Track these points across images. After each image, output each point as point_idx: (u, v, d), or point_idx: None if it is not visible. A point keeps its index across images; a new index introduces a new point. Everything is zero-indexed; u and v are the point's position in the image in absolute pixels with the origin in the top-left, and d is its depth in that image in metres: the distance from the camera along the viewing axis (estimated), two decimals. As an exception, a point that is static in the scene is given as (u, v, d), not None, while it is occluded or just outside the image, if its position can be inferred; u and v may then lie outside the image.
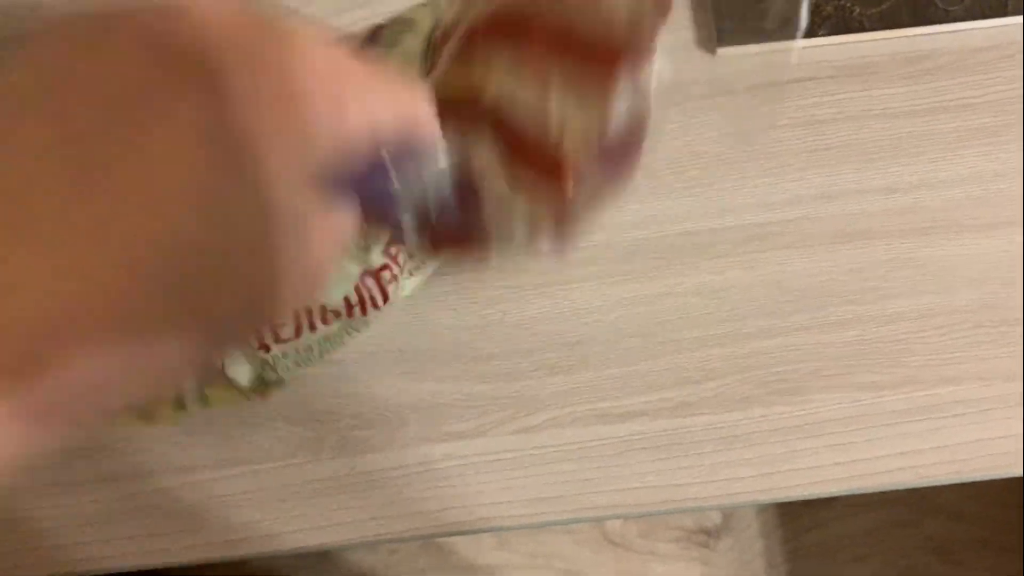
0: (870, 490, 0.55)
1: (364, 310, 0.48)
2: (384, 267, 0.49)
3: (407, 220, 0.27)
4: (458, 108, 0.34)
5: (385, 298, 0.48)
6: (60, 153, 0.20)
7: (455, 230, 0.32)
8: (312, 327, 0.47)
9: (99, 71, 0.21)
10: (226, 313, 0.23)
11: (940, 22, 0.60)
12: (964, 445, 0.55)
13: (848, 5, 0.61)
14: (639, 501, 0.55)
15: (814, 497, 0.55)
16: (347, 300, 0.48)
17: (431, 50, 0.41)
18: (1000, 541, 1.26)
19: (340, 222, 0.25)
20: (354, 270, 0.48)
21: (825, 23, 0.61)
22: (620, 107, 0.34)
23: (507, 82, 0.35)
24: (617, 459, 0.56)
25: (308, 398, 0.56)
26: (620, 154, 0.36)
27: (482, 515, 0.56)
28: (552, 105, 0.34)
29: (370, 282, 0.48)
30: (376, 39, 0.45)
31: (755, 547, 1.29)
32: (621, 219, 0.59)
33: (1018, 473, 0.55)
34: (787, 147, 0.60)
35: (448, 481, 0.56)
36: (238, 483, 0.55)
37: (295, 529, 0.55)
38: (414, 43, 0.43)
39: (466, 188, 0.32)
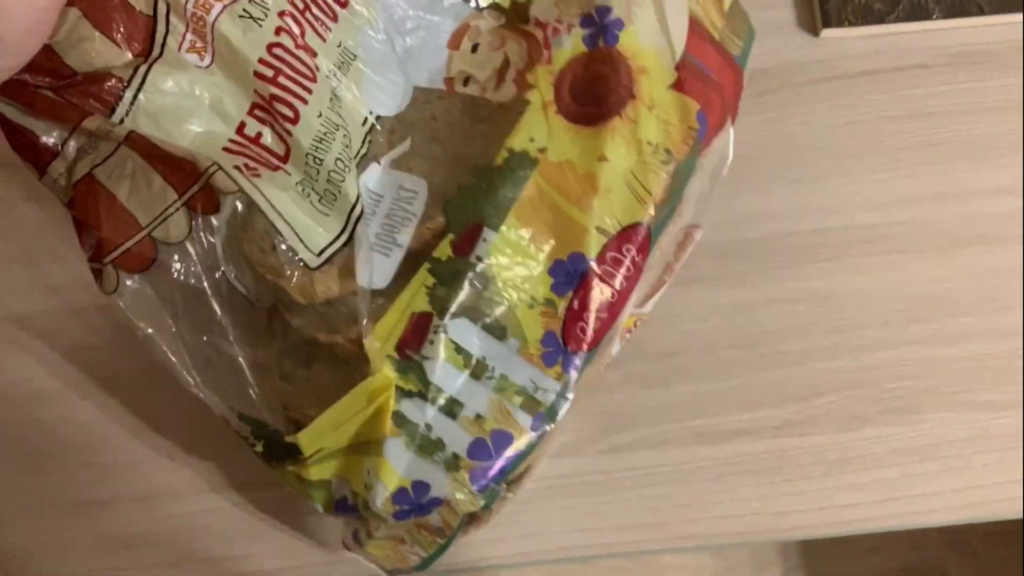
0: (989, 519, 0.51)
1: None
2: None
3: None
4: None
5: None
6: None
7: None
8: None
9: None
10: None
11: (1066, 7, 0.55)
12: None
13: (967, -14, 0.56)
14: (740, 529, 0.51)
15: (933, 526, 0.50)
16: None
17: None
18: (1013, 533, 1.24)
19: None
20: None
21: (939, 5, 0.55)
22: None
23: None
24: (716, 483, 0.51)
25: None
26: None
27: (564, 543, 0.51)
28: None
29: None
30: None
31: (766, 537, 1.25)
32: (717, 216, 0.53)
33: None
34: (897, 141, 0.55)
35: (530, 505, 0.50)
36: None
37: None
38: None
39: None
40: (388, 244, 0.41)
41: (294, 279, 0.40)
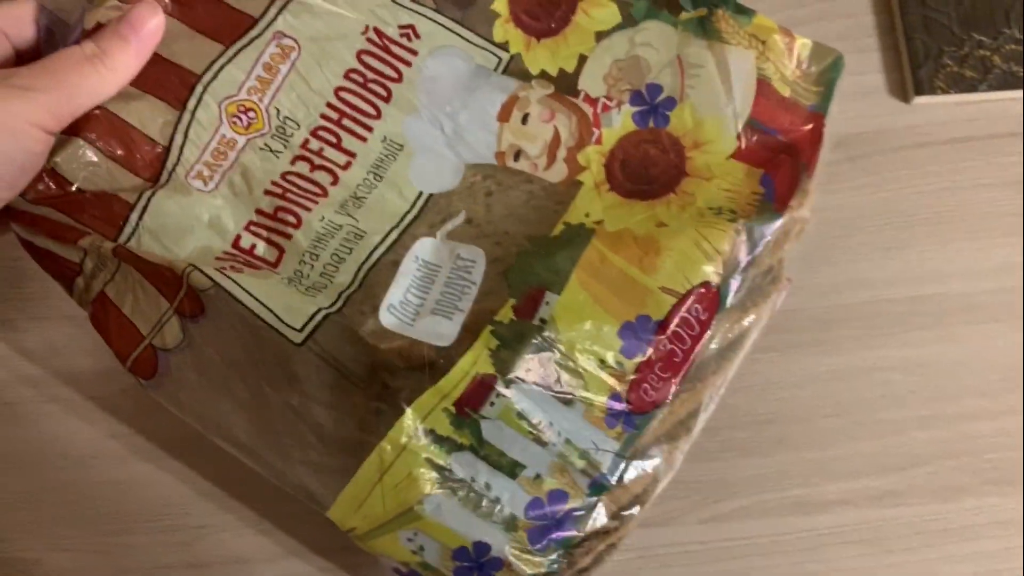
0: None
1: None
2: None
3: None
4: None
5: None
6: None
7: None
8: None
9: None
10: None
11: None
12: None
13: (1061, 55, 0.56)
14: (840, 602, 0.50)
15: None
16: None
17: None
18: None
19: None
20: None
21: (1032, 73, 0.56)
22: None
23: None
24: (814, 554, 0.50)
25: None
26: None
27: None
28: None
29: None
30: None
31: None
32: (811, 282, 0.53)
33: None
34: (991, 209, 0.55)
35: None
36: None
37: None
38: None
39: None
40: (450, 309, 0.40)
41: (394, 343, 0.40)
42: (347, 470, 0.39)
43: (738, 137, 0.43)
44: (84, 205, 0.42)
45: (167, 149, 0.43)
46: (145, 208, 0.42)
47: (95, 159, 0.42)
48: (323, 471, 0.39)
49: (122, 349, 0.42)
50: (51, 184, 0.42)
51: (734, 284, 0.41)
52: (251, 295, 0.40)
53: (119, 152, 0.43)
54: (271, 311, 0.39)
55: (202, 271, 0.40)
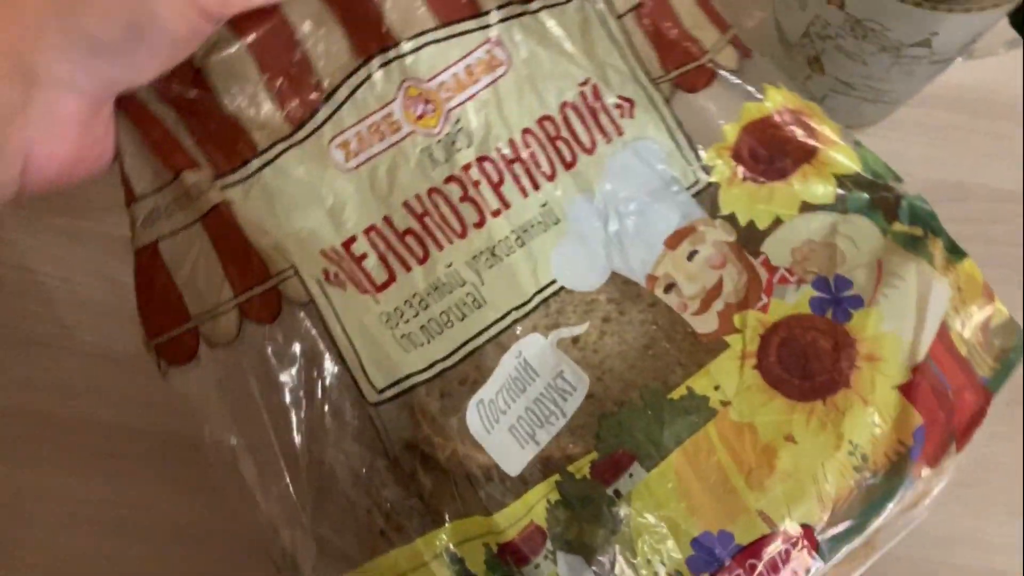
0: None
1: None
2: None
3: None
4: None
5: None
6: None
7: None
8: None
9: None
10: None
11: None
12: None
13: None
14: None
15: None
16: None
17: None
18: None
19: None
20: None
21: None
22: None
23: None
24: None
25: None
26: None
27: None
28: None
29: None
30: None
31: None
32: (922, 529, 0.47)
33: None
34: None
35: None
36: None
37: None
38: None
39: None
40: (526, 436, 0.36)
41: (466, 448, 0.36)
42: (348, 557, 0.35)
43: (913, 370, 0.38)
44: (213, 126, 0.37)
45: (326, 98, 0.38)
46: (272, 161, 0.37)
47: (251, 76, 0.37)
48: (322, 546, 0.36)
49: (156, 324, 0.37)
50: (192, 86, 0.37)
51: (837, 547, 0.36)
52: (345, 332, 0.36)
53: (279, 80, 0.37)
54: (358, 358, 0.36)
55: (303, 281, 0.36)
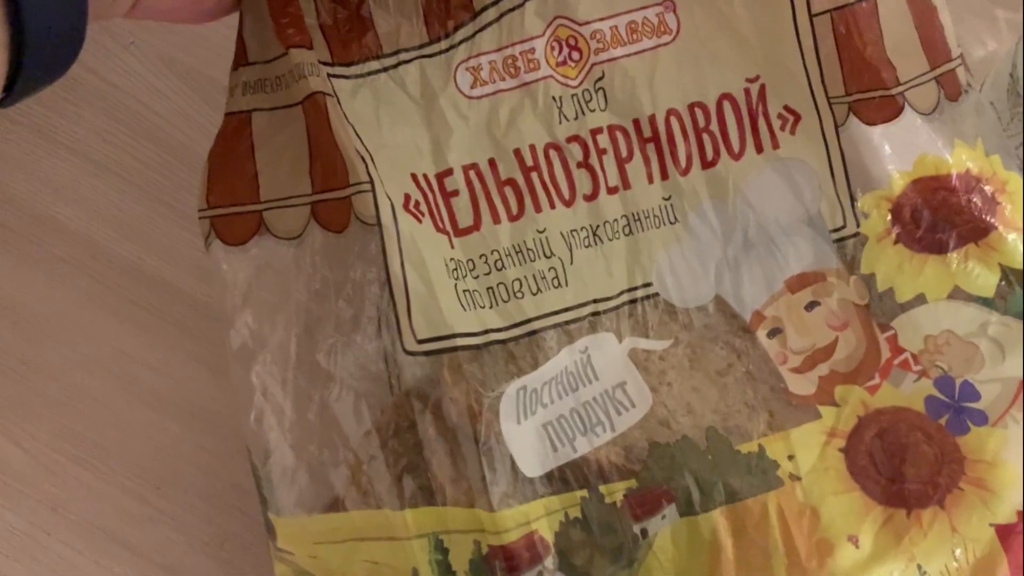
0: None
1: None
2: None
3: None
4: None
5: None
6: None
7: None
8: None
9: None
10: None
11: None
12: None
13: None
14: None
15: None
16: None
17: None
18: None
19: None
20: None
21: None
22: None
23: None
24: None
25: None
26: None
27: None
28: None
29: None
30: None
31: None
32: None
33: None
34: None
35: None
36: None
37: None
38: None
39: None
40: (563, 437, 0.33)
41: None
42: (332, 495, 0.32)
43: (1019, 514, 0.32)
44: (346, 14, 0.35)
45: (474, 16, 0.35)
46: (393, 67, 0.35)
47: None
48: (309, 476, 0.33)
49: (221, 195, 0.34)
50: None
51: None
52: (403, 267, 0.32)
53: None
54: (408, 299, 0.32)
55: (376, 199, 0.32)
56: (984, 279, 0.36)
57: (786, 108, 0.37)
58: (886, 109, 0.37)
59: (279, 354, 0.33)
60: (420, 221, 0.34)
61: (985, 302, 0.36)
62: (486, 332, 0.33)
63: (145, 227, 0.45)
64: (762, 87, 0.37)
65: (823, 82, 0.37)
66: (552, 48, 0.36)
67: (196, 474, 0.42)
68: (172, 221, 0.45)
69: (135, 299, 0.44)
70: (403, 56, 0.35)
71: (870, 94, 0.37)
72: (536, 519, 0.31)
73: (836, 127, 0.37)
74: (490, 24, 0.35)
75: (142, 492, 0.42)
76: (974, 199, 0.36)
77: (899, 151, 0.37)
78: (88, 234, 0.45)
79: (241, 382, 0.33)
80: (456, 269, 0.34)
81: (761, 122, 0.37)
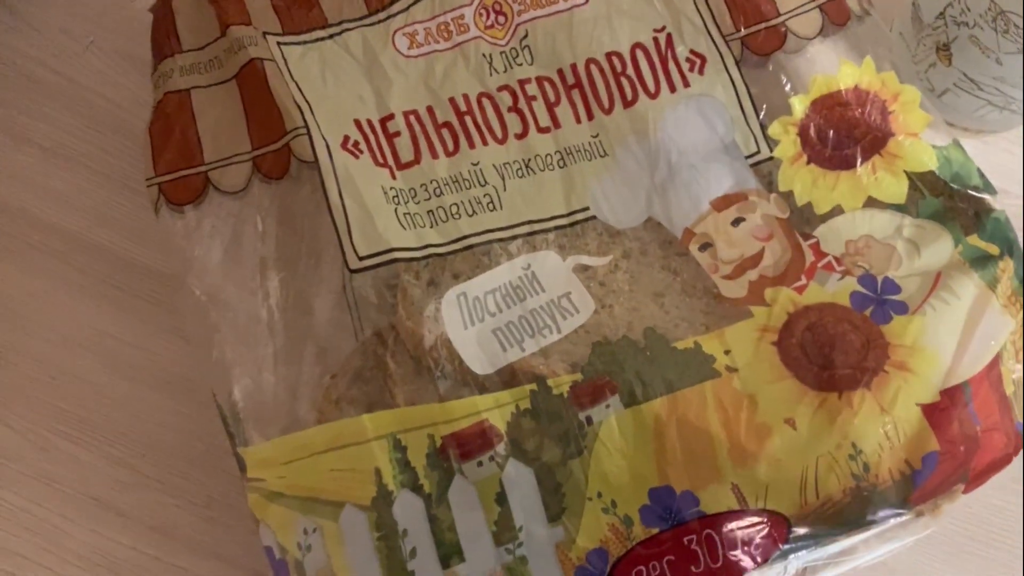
0: None
1: None
2: None
3: None
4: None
5: None
6: None
7: None
8: None
9: None
10: None
11: None
12: None
13: None
14: None
15: None
16: None
17: None
18: None
19: None
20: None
21: None
22: None
23: None
24: None
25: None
26: None
27: None
28: None
29: None
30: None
31: None
32: None
33: None
34: None
35: None
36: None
37: None
38: None
39: None
40: (512, 339, 0.35)
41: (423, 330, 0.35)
42: (295, 419, 0.34)
43: (943, 393, 0.35)
44: None
45: None
46: (337, 35, 0.40)
47: None
48: (273, 403, 0.35)
49: (167, 163, 0.38)
50: None
51: (807, 543, 0.33)
52: (341, 196, 0.36)
53: None
54: (348, 223, 0.35)
55: (311, 140, 0.36)
56: (894, 187, 0.39)
57: (692, 52, 0.41)
58: (773, 39, 0.41)
59: (234, 296, 0.36)
60: (357, 158, 0.37)
61: (898, 208, 0.39)
62: (425, 247, 0.36)
63: (114, 212, 0.48)
64: (668, 36, 0.41)
65: (716, 24, 0.41)
66: (480, 14, 0.40)
67: (178, 439, 0.45)
68: (139, 205, 0.48)
69: (109, 280, 0.47)
70: (346, 26, 0.40)
71: (756, 27, 0.41)
72: (487, 410, 0.33)
73: (737, 63, 0.40)
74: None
75: (129, 460, 0.44)
76: (868, 111, 0.39)
77: (794, 77, 0.40)
78: (60, 223, 0.47)
79: (200, 326, 0.36)
80: (396, 196, 0.37)
81: (672, 65, 0.41)
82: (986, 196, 0.39)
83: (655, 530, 0.32)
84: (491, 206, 0.38)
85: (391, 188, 0.37)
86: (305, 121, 0.37)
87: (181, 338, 0.46)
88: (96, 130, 0.49)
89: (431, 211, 0.37)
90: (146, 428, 0.45)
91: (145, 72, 0.48)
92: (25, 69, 0.50)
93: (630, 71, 0.40)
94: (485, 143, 0.39)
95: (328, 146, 0.37)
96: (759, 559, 0.33)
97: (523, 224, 0.38)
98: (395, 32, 0.40)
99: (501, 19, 0.41)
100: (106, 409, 0.45)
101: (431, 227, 0.37)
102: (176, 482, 0.44)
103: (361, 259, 0.35)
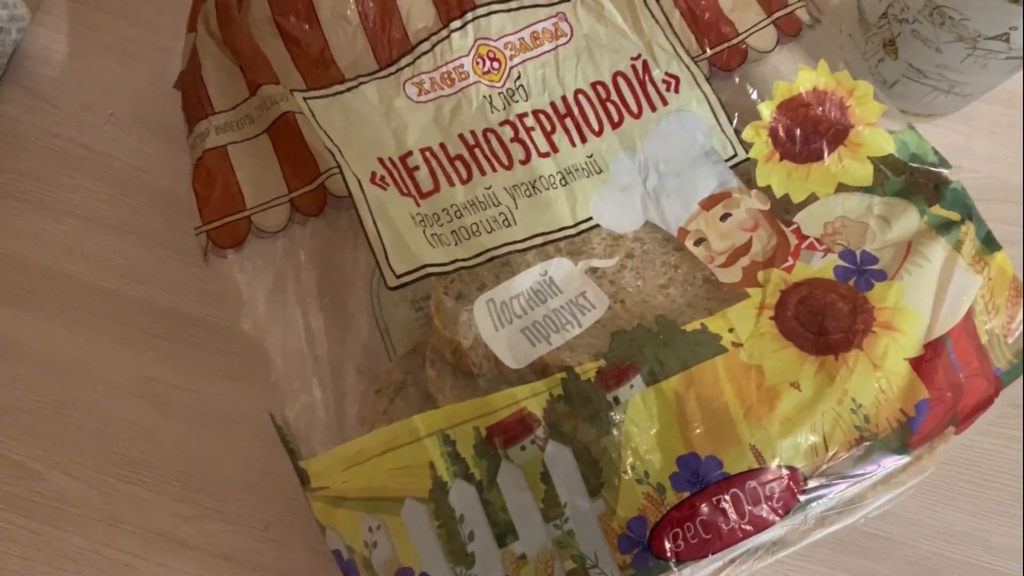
0: None
1: None
2: None
3: None
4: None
5: None
6: None
7: None
8: None
9: None
10: None
11: None
12: None
13: None
14: None
15: None
16: None
17: None
18: None
19: None
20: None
21: None
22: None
23: None
24: None
25: None
26: None
27: None
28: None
29: None
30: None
31: None
32: (926, 521, 0.49)
33: None
34: None
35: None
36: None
37: None
38: None
39: None
40: (539, 336, 0.39)
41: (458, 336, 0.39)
42: (347, 431, 0.38)
43: (926, 347, 0.39)
44: (314, 55, 0.44)
45: (410, 49, 0.45)
46: (354, 87, 0.44)
47: (350, 15, 0.44)
48: (325, 418, 0.39)
49: (212, 211, 0.42)
50: (301, 11, 0.44)
51: (822, 493, 0.37)
52: (375, 223, 0.40)
53: (374, 22, 0.45)
54: (383, 245, 0.40)
55: (344, 178, 0.41)
56: (860, 172, 0.43)
57: (667, 74, 0.46)
58: (735, 55, 0.46)
59: (280, 326, 0.40)
60: (385, 190, 0.42)
61: (866, 189, 0.43)
62: (454, 261, 0.41)
63: (149, 268, 0.51)
64: (644, 62, 0.46)
65: (685, 48, 0.46)
66: (477, 63, 0.45)
67: (232, 470, 0.48)
68: (171, 258, 0.51)
69: (150, 330, 0.50)
70: (362, 80, 0.44)
71: (719, 47, 0.46)
72: (524, 399, 0.37)
73: (707, 79, 0.46)
74: (426, 52, 0.45)
75: (188, 494, 0.47)
76: (827, 108, 0.44)
77: (759, 86, 0.45)
78: (100, 283, 0.51)
79: (252, 356, 0.40)
80: (423, 220, 0.42)
81: (650, 87, 0.46)
82: (943, 170, 0.43)
83: (686, 494, 0.36)
84: (507, 223, 0.42)
85: (417, 214, 0.42)
86: (337, 162, 0.41)
87: (225, 376, 0.49)
88: (124, 194, 0.52)
89: (455, 231, 0.42)
90: (200, 463, 0.48)
91: (164, 136, 0.52)
92: (52, 145, 0.53)
93: (614, 96, 0.45)
94: (495, 170, 0.43)
95: (359, 181, 0.41)
96: (781, 511, 0.36)
97: (536, 236, 0.42)
98: (405, 82, 0.45)
99: (496, 64, 0.45)
100: (160, 449, 0.48)
101: (456, 244, 0.41)
102: (234, 510, 0.47)
103: (398, 276, 0.39)
